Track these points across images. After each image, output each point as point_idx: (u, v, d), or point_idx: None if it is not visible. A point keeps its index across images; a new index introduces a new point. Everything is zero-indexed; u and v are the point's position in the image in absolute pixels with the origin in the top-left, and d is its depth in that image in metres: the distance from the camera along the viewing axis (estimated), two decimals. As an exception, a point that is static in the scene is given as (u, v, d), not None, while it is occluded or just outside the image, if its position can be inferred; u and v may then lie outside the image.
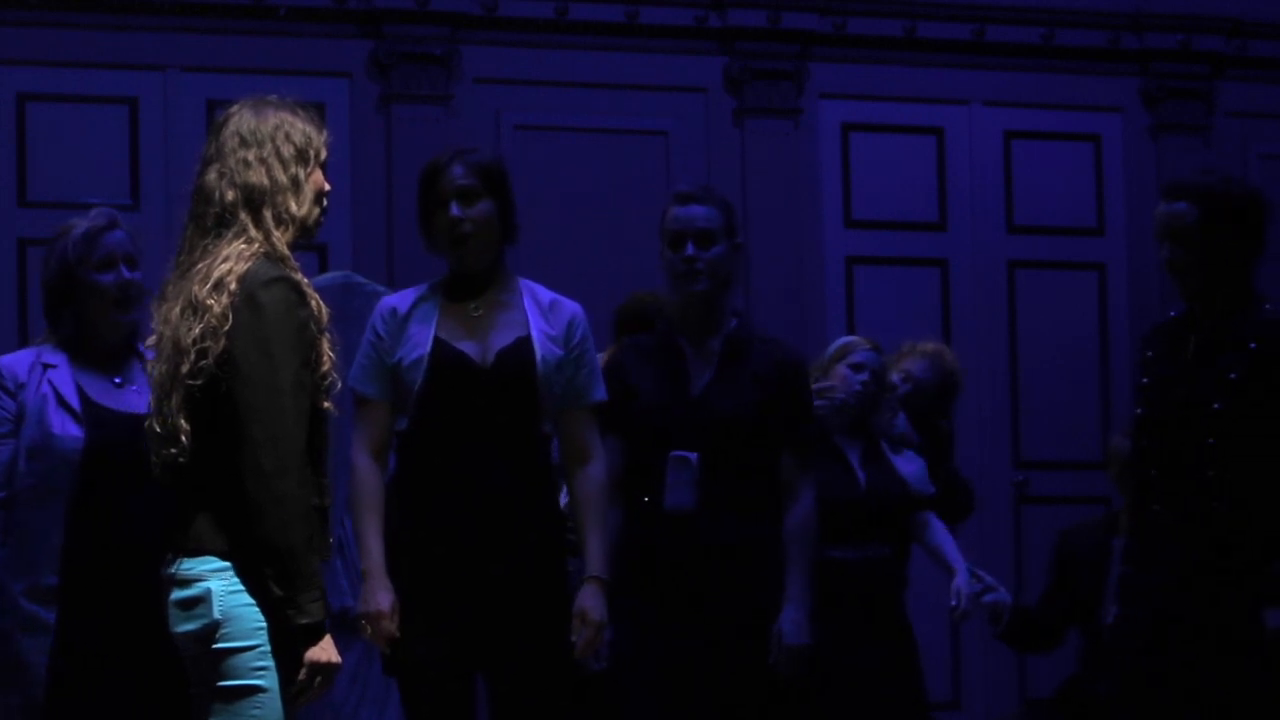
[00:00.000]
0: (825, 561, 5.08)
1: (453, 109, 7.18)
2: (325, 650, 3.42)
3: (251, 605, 3.43)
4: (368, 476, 4.16)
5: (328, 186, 3.64)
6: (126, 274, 4.36)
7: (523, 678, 4.14)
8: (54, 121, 6.87)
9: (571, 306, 4.32)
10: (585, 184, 7.28)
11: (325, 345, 3.54)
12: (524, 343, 4.19)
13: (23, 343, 6.70)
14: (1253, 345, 4.39)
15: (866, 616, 5.18)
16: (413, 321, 4.21)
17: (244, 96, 3.74)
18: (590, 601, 4.16)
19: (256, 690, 3.42)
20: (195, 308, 3.47)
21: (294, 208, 3.55)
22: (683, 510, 4.50)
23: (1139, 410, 4.49)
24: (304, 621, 3.40)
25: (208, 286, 3.47)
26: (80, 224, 4.44)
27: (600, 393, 4.32)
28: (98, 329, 4.28)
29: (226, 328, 3.44)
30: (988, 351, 7.69)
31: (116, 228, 4.45)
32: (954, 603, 5.29)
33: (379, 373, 4.19)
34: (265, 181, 3.54)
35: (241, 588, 3.44)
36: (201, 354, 3.45)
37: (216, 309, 3.45)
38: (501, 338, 4.19)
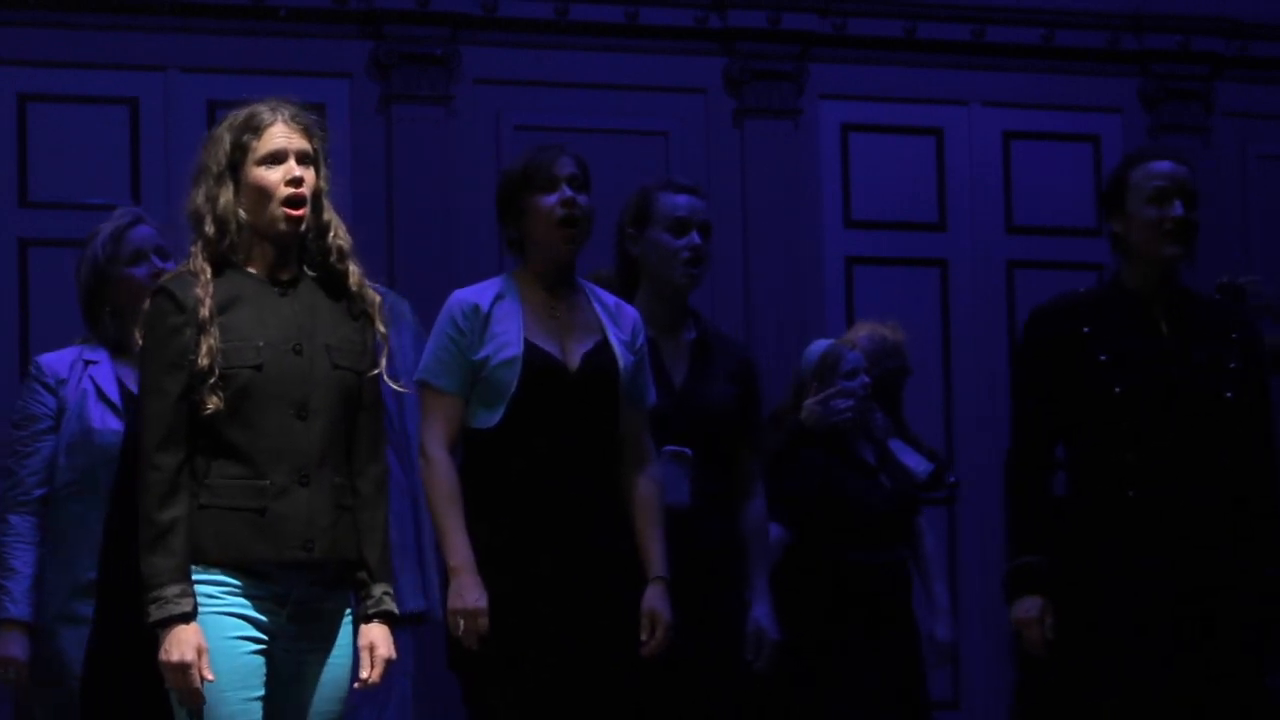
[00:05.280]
0: (849, 564, 5.11)
1: (453, 109, 7.19)
2: (165, 651, 3.54)
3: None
4: (447, 471, 4.14)
5: (274, 177, 3.70)
6: (159, 264, 4.40)
7: (607, 681, 4.15)
8: (54, 122, 6.87)
9: (630, 310, 4.34)
10: (585, 184, 7.29)
11: (209, 341, 3.61)
12: (604, 347, 4.22)
13: (23, 343, 6.73)
14: (1235, 335, 4.39)
15: (884, 619, 5.20)
16: (495, 320, 4.20)
17: (244, 96, 3.78)
18: (660, 602, 4.18)
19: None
20: None
21: (226, 221, 3.69)
22: (679, 507, 4.43)
23: (1117, 389, 4.32)
24: (149, 621, 3.56)
25: None
26: (106, 225, 4.49)
27: (653, 395, 4.34)
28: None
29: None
30: (987, 352, 7.69)
31: (141, 223, 4.52)
32: (937, 655, 5.34)
33: (458, 367, 4.17)
34: (196, 203, 3.73)
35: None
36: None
37: None
38: (583, 341, 4.21)
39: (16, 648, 4.42)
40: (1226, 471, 4.29)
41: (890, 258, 7.68)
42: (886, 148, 7.71)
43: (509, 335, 4.18)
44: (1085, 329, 4.38)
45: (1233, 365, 4.34)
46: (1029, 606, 4.33)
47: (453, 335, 4.19)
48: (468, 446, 4.22)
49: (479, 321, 4.19)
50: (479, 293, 4.25)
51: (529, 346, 4.16)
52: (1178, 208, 4.35)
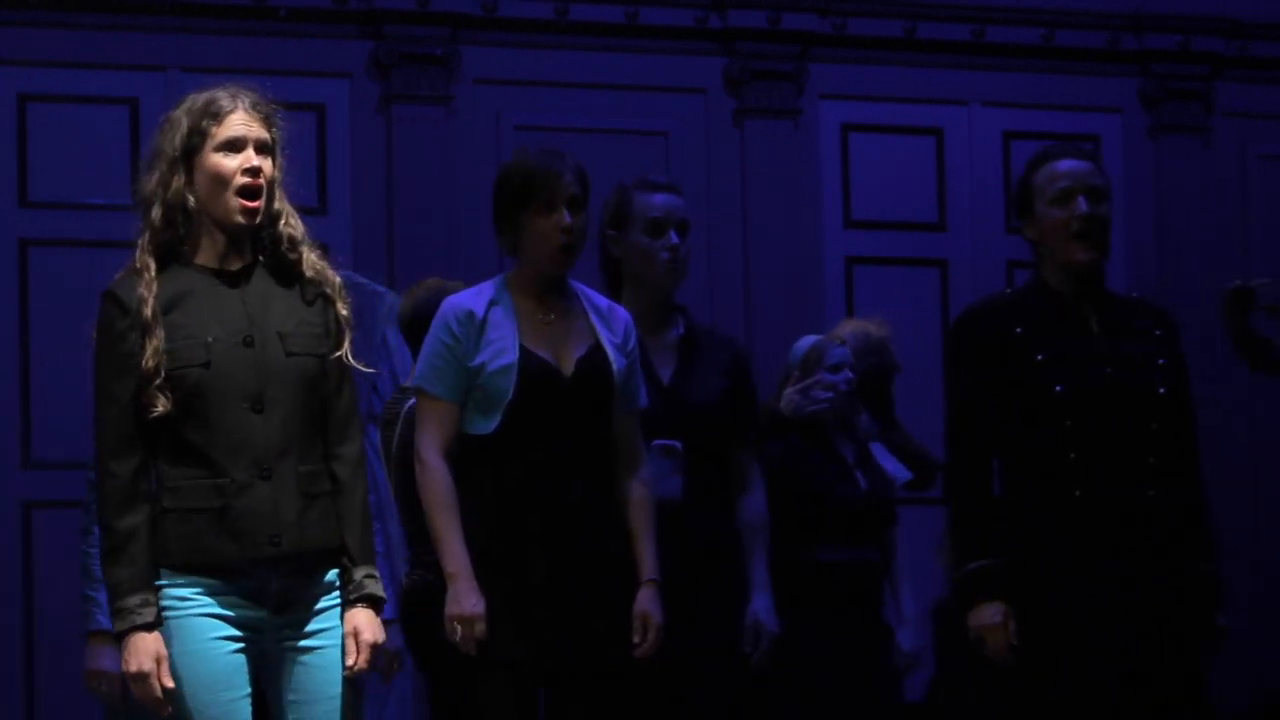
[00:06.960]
0: (815, 563, 5.10)
1: (453, 109, 7.19)
2: (125, 660, 3.54)
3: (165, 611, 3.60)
4: (443, 477, 4.13)
5: (231, 165, 3.64)
6: None
7: (601, 684, 4.15)
8: (54, 121, 6.87)
9: (622, 312, 4.34)
10: (585, 184, 7.29)
11: (154, 342, 3.56)
12: (597, 351, 4.21)
13: (23, 343, 6.72)
14: (1159, 332, 4.39)
15: (853, 618, 5.18)
16: (490, 326, 4.19)
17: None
18: (652, 605, 4.18)
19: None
20: None
21: (175, 209, 3.62)
22: (671, 500, 4.43)
23: (1058, 388, 4.27)
24: (115, 631, 3.56)
25: None
26: None
27: (644, 397, 4.34)
28: None
29: None
30: (987, 352, 7.70)
31: None
32: (901, 663, 5.31)
33: (454, 374, 4.17)
34: (148, 188, 3.66)
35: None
36: None
37: None
38: (576, 346, 4.21)
39: (108, 660, 4.39)
40: (1163, 466, 4.29)
41: (890, 258, 7.68)
42: (886, 148, 7.71)
43: (504, 342, 4.17)
44: (1017, 329, 4.34)
45: (1161, 361, 4.34)
46: (991, 613, 4.25)
47: (448, 342, 4.18)
48: (463, 452, 4.22)
49: (474, 328, 4.18)
50: (473, 298, 4.24)
51: (524, 353, 4.16)
52: (1082, 205, 4.32)
